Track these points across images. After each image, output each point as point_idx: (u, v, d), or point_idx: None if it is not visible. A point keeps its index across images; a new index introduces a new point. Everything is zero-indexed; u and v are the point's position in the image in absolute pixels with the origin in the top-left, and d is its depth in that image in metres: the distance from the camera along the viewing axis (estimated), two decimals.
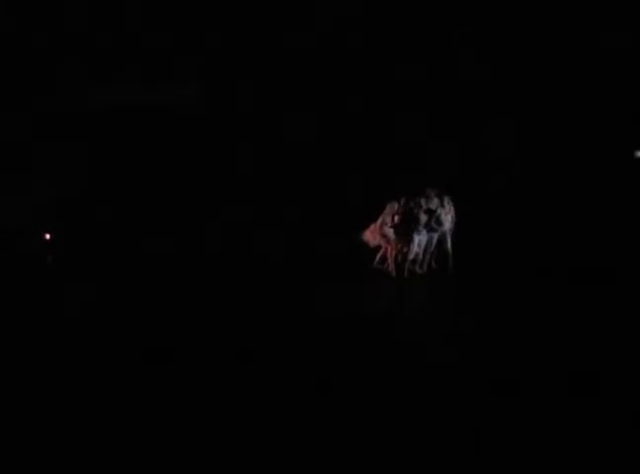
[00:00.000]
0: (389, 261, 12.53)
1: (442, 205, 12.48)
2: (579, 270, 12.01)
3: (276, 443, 7.58)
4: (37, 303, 10.65)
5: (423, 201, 12.38)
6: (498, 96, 12.66)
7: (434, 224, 12.33)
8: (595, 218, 12.67)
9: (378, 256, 12.75)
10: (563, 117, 12.84)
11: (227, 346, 9.68)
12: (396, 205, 12.42)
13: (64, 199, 11.23)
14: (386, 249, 12.64)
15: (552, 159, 13.06)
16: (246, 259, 12.36)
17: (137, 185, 11.68)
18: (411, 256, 12.47)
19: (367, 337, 9.94)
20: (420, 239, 12.40)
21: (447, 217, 12.53)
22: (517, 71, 12.63)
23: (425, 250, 12.62)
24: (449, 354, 9.51)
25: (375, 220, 12.64)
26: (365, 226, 12.62)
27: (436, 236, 12.66)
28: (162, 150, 11.72)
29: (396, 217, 12.36)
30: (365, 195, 12.83)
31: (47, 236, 10.19)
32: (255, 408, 8.19)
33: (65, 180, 11.37)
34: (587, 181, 12.94)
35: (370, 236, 12.88)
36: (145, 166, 11.55)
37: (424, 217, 12.32)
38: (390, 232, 12.40)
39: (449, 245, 12.75)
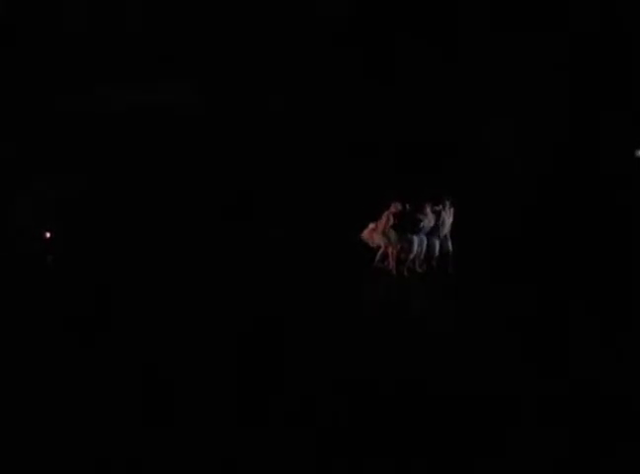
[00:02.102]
0: (390, 259, 12.58)
1: (444, 209, 12.54)
2: (577, 268, 12.02)
3: (276, 439, 7.62)
4: (36, 303, 10.61)
5: (426, 205, 12.45)
6: (499, 98, 12.66)
7: (439, 225, 12.42)
8: (594, 217, 12.65)
9: (379, 254, 12.79)
10: (562, 118, 12.85)
11: (228, 343, 9.69)
12: (399, 206, 12.49)
13: (64, 199, 11.27)
14: (387, 247, 12.69)
15: (551, 160, 13.06)
16: (246, 258, 12.38)
17: (138, 185, 11.70)
18: (411, 255, 12.52)
19: (368, 333, 9.97)
20: (420, 239, 12.45)
21: (449, 220, 12.59)
22: (517, 73, 12.64)
23: (426, 250, 12.68)
24: (448, 351, 9.55)
25: (374, 220, 12.73)
26: (365, 226, 12.70)
27: (437, 240, 12.74)
28: (162, 150, 11.75)
29: (397, 219, 12.44)
30: (366, 195, 12.83)
31: (48, 234, 10.20)
32: (254, 404, 8.24)
33: (65, 179, 11.41)
34: (587, 181, 12.93)
35: (370, 235, 12.93)
36: (145, 166, 11.59)
37: (425, 220, 12.39)
38: (392, 233, 12.44)
39: (450, 245, 12.80)
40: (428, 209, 12.03)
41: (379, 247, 12.43)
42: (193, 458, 7.43)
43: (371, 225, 12.51)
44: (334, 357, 9.42)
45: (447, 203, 12.19)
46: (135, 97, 11.69)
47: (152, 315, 10.57)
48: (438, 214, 12.14)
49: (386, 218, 12.20)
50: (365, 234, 12.56)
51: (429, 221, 12.09)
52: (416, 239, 12.05)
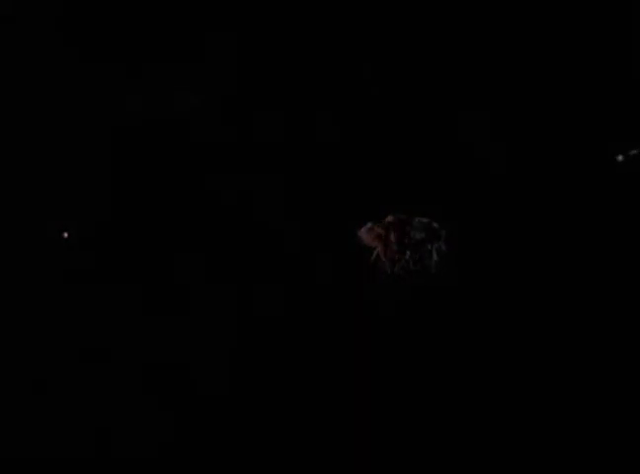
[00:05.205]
0: (384, 258, 12.77)
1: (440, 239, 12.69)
2: (574, 269, 12.14)
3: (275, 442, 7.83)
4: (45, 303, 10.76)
5: (417, 219, 12.62)
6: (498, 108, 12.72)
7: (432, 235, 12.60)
8: (588, 220, 12.72)
9: (375, 252, 12.98)
10: (556, 123, 12.87)
11: (222, 343, 10.02)
12: (396, 219, 12.63)
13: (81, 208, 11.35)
14: (382, 247, 12.87)
15: (545, 163, 13.12)
16: (245, 257, 12.50)
17: (153, 194, 11.69)
18: (406, 256, 12.72)
19: (360, 333, 10.33)
20: (414, 243, 12.65)
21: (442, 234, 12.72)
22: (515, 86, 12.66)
23: (421, 252, 12.88)
24: (445, 350, 9.78)
25: (373, 219, 12.89)
26: (362, 224, 12.84)
27: (433, 245, 12.88)
28: (177, 161, 11.77)
29: (391, 230, 12.64)
30: (365, 195, 12.88)
31: (65, 234, 10.43)
32: (252, 408, 8.44)
33: (81, 191, 11.55)
34: (578, 184, 13.00)
35: (366, 235, 13.12)
36: (161, 176, 11.59)
37: (416, 233, 12.56)
38: (385, 238, 12.64)
39: (444, 247, 12.96)
40: (416, 224, 12.19)
41: (375, 246, 12.63)
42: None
43: (369, 224, 12.71)
44: (327, 356, 9.68)
45: (443, 234, 12.31)
46: (150, 109, 11.77)
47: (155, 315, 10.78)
48: (430, 229, 12.31)
49: (383, 229, 12.36)
50: (362, 233, 12.75)
51: (420, 234, 12.24)
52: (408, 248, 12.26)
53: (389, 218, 12.30)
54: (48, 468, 8.63)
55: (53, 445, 8.78)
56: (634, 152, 11.90)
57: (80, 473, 8.53)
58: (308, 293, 11.22)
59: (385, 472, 8.26)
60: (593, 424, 8.91)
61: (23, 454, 8.72)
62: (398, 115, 12.71)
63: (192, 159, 11.86)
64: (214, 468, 8.74)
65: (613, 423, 8.90)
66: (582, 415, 9.02)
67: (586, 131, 11.98)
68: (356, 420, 8.76)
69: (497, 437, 8.67)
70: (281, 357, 9.82)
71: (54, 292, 10.83)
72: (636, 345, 9.72)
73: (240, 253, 12.34)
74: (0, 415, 8.93)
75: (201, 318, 10.42)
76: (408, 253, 12.18)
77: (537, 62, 12.07)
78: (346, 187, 12.99)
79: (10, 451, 8.70)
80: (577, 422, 8.97)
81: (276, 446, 8.72)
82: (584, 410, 9.06)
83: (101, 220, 11.36)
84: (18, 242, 11.03)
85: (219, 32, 12.10)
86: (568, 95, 12.11)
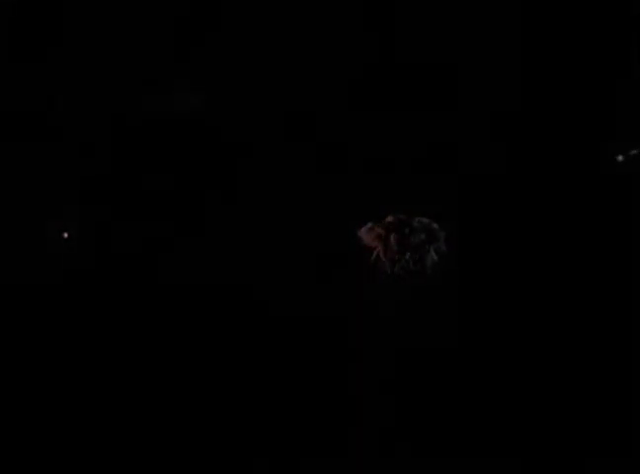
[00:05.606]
0: (383, 258, 12.79)
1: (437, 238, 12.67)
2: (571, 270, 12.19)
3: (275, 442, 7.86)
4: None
5: (416, 220, 12.63)
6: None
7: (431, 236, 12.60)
8: (588, 220, 12.75)
9: (375, 252, 13.00)
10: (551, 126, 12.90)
11: (223, 345, 10.05)
12: (395, 220, 12.63)
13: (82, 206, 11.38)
14: (382, 247, 12.90)
15: (545, 163, 13.12)
16: (245, 258, 12.53)
17: (152, 193, 11.70)
18: (406, 256, 12.75)
19: (360, 333, 10.33)
20: (415, 244, 12.66)
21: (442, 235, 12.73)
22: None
23: (421, 252, 12.91)
24: (444, 350, 9.82)
25: (373, 219, 12.91)
26: (362, 224, 12.86)
27: (432, 245, 12.91)
28: (177, 160, 11.79)
29: (390, 231, 12.65)
30: (365, 195, 12.89)
31: (65, 235, 10.45)
32: (252, 409, 8.48)
33: (83, 191, 11.57)
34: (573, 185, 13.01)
35: (367, 235, 13.14)
36: (161, 176, 11.60)
37: (415, 235, 12.59)
38: (385, 238, 12.66)
39: (444, 247, 12.98)
40: (416, 224, 12.18)
41: (375, 246, 12.65)
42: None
43: (369, 224, 12.72)
44: (325, 357, 9.72)
45: (442, 235, 12.31)
46: (150, 108, 11.78)
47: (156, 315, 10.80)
48: (430, 229, 12.32)
49: (383, 229, 12.37)
50: (362, 233, 12.76)
51: (420, 234, 12.25)
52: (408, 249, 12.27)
53: (389, 218, 12.34)
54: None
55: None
56: (634, 152, 11.92)
57: None
58: (308, 293, 11.31)
59: (384, 472, 8.30)
60: (592, 422, 8.94)
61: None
62: (398, 115, 12.77)
63: (191, 159, 11.93)
64: (212, 463, 8.78)
65: (613, 421, 8.93)
66: (581, 414, 9.05)
67: (586, 131, 12.03)
68: (355, 419, 8.78)
69: (496, 436, 8.71)
70: (282, 357, 9.84)
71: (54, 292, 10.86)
72: (636, 344, 9.77)
73: (239, 253, 12.42)
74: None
75: (201, 324, 10.42)
76: (408, 253, 12.22)
77: (537, 62, 12.11)
78: (346, 187, 13.07)
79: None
80: (575, 421, 9.00)
81: (274, 446, 8.75)
82: (583, 410, 9.09)
83: (101, 220, 11.48)
84: (18, 242, 11.15)
85: (219, 32, 12.18)
86: (568, 95, 12.17)
